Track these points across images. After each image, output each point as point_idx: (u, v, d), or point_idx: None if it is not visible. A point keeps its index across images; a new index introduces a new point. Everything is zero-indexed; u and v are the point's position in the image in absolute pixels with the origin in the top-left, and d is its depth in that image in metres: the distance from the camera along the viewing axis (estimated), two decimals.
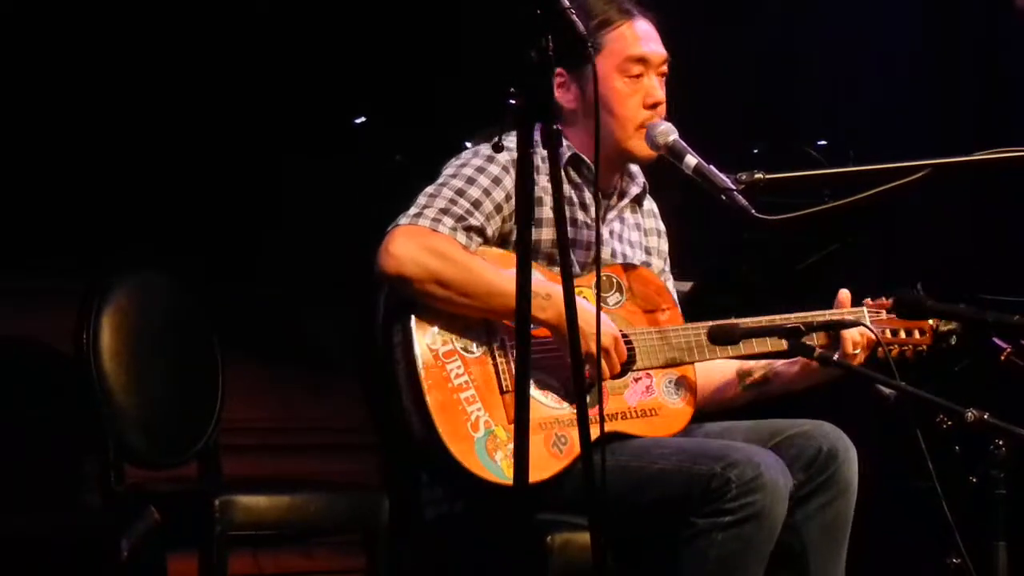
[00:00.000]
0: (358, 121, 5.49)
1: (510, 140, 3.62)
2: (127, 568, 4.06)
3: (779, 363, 3.74)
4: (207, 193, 5.35)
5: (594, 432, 2.93)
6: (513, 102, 2.83)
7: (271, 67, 5.44)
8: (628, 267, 3.69)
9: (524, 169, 2.84)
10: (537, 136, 3.24)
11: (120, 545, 4.06)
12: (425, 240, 3.45)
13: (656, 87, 3.63)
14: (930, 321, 3.76)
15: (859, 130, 5.74)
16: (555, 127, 2.83)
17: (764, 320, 3.66)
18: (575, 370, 2.85)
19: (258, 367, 5.35)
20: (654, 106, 3.62)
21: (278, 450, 5.37)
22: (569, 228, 3.58)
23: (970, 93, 5.83)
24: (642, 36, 3.62)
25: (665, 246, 3.89)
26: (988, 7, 5.74)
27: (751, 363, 3.76)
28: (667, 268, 3.89)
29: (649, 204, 3.87)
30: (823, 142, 5.28)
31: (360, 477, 5.08)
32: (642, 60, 3.61)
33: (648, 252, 3.82)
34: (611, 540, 2.90)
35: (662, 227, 3.89)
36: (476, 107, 3.81)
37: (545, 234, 3.57)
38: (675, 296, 3.84)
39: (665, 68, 3.65)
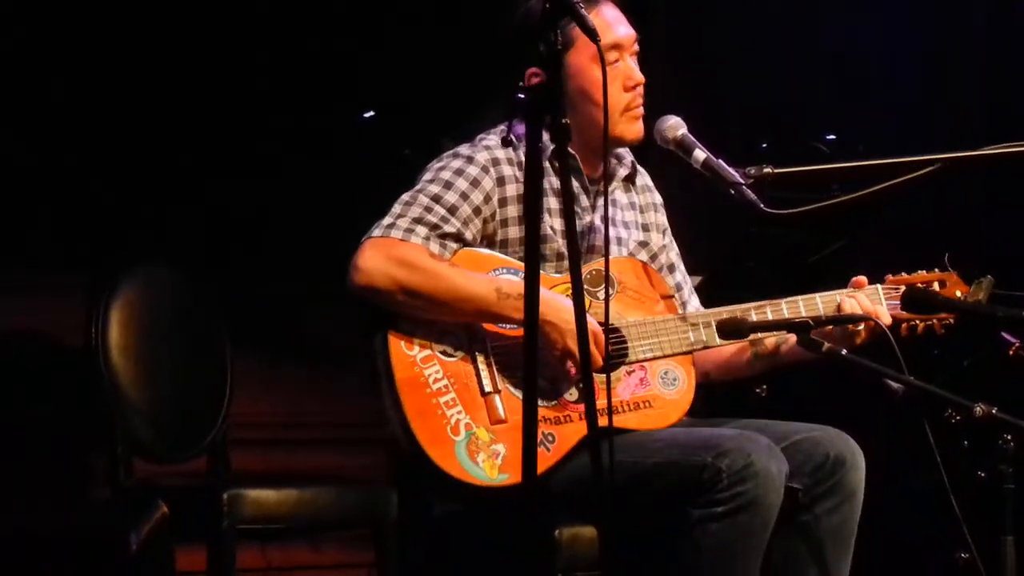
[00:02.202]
0: (367, 115, 5.49)
1: (490, 139, 3.63)
2: (136, 562, 4.06)
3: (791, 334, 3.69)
4: (209, 191, 5.35)
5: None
6: (522, 96, 2.81)
7: (274, 65, 5.44)
8: (620, 259, 3.68)
9: (532, 164, 2.82)
10: (519, 131, 3.22)
11: (129, 539, 4.06)
12: (393, 251, 3.46)
13: (634, 68, 3.64)
14: (958, 293, 3.71)
15: (862, 131, 5.74)
16: (564, 121, 2.81)
17: (770, 307, 3.64)
18: (583, 364, 2.84)
19: (266, 362, 5.34)
20: (635, 87, 3.63)
21: (286, 445, 5.37)
22: (557, 221, 3.58)
23: (974, 94, 5.82)
24: (611, 22, 3.62)
25: (663, 218, 3.86)
26: (990, 7, 5.74)
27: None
28: (669, 240, 3.86)
29: (642, 179, 3.85)
30: (831, 136, 5.28)
31: (369, 472, 5.07)
32: (616, 46, 3.61)
33: (646, 229, 3.81)
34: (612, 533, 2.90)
35: (658, 199, 3.86)
36: (479, 102, 3.81)
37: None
38: (679, 277, 3.83)
39: (636, 48, 3.65)
